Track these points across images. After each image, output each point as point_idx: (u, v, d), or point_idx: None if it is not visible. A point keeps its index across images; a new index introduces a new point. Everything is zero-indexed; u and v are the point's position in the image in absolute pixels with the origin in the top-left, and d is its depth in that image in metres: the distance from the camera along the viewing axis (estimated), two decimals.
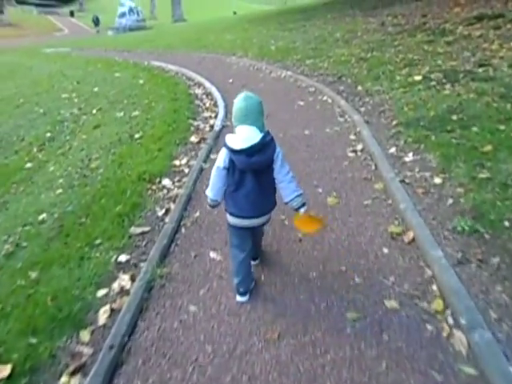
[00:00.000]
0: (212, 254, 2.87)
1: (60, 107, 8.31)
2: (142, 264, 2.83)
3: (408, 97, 5.52)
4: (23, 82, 12.02)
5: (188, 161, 4.48)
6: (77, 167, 4.88)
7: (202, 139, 5.03)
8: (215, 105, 6.53)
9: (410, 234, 2.86)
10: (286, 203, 2.26)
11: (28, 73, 13.46)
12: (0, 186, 5.04)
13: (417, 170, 3.69)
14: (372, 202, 3.39)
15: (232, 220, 2.30)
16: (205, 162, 4.36)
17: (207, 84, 7.84)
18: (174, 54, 13.93)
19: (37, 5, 53.81)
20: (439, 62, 6.76)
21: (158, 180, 4.07)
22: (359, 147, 4.47)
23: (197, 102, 6.80)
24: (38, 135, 6.84)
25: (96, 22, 36.29)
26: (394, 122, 4.85)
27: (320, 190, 3.65)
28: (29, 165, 5.52)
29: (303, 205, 2.25)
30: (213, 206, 2.35)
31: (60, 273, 2.81)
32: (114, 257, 2.92)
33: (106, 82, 9.75)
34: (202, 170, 4.20)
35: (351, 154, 4.34)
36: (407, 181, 3.52)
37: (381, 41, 9.37)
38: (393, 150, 4.19)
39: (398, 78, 6.46)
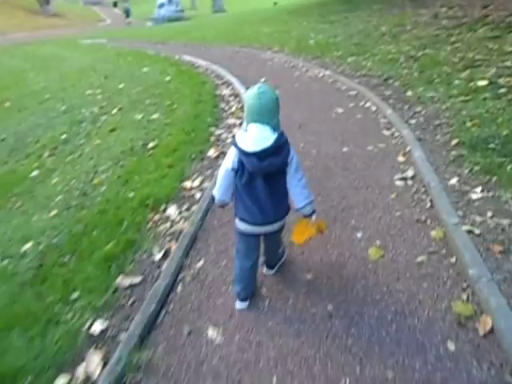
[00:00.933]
0: (211, 332, 2.16)
1: (82, 105, 7.85)
2: (121, 336, 2.17)
3: (471, 108, 4.57)
4: (54, 75, 11.75)
5: (201, 182, 3.79)
6: (80, 181, 4.32)
7: (222, 154, 4.32)
8: (242, 109, 5.79)
9: (487, 322, 2.03)
10: (298, 210, 2.17)
11: (60, 65, 13.23)
12: (0, 197, 4.55)
13: (489, 214, 2.82)
14: (428, 258, 2.57)
15: (242, 226, 2.16)
16: None
17: (236, 84, 7.12)
18: (208, 47, 13.27)
19: None
20: (508, 63, 5.70)
21: (162, 207, 3.41)
22: (410, 173, 3.62)
23: (222, 105, 6.10)
24: (54, 137, 6.37)
25: (127, 12, 34.96)
26: (454, 142, 3.94)
27: (359, 235, 2.87)
28: (35, 173, 5.02)
29: (314, 212, 2.19)
30: (221, 206, 2.26)
31: (19, 343, 2.20)
32: (88, 323, 2.28)
33: (132, 78, 9.24)
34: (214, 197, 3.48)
35: (399, 183, 3.50)
36: (477, 231, 2.67)
37: (434, 36, 8.29)
38: (454, 180, 3.32)
39: (456, 82, 5.48)
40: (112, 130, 5.91)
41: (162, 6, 30.78)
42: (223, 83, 7.48)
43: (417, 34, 8.87)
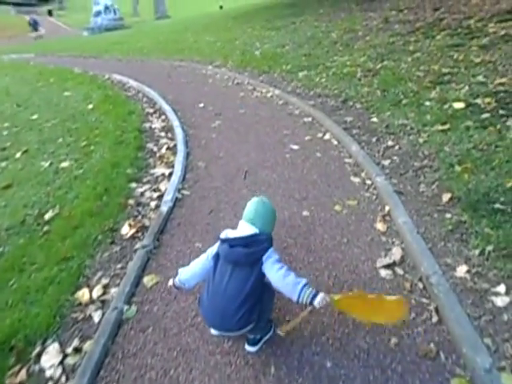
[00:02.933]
0: None
1: None
2: None
3: (454, 142, 3.68)
4: None
5: (104, 289, 2.60)
6: None
7: (139, 230, 3.14)
8: (173, 150, 4.63)
9: None
10: (298, 303, 1.88)
11: None
12: None
13: None
14: None
15: None
16: (129, 301, 2.46)
17: (169, 113, 5.92)
18: (145, 61, 11.95)
19: (14, 4, 51.24)
20: (480, 78, 4.91)
21: (35, 351, 2.19)
22: (397, 255, 2.62)
23: (149, 145, 4.89)
24: None
25: (35, 25, 30.42)
26: (446, 197, 3.01)
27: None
28: None
29: (316, 294, 1.83)
30: (177, 288, 2.13)
31: None
32: None
33: (49, 106, 7.82)
34: (120, 321, 2.31)
35: (385, 274, 2.49)
36: None
37: (390, 44, 7.50)
38: (462, 270, 2.35)
39: (427, 103, 4.60)
40: (7, 187, 4.56)
41: (98, 14, 28.76)
42: (154, 112, 6.26)
43: (370, 41, 8.06)
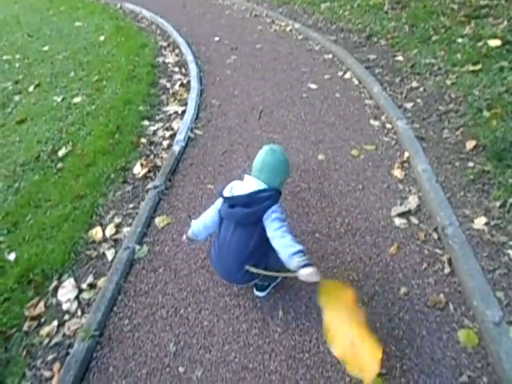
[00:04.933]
0: None
1: None
2: None
3: (485, 84, 3.43)
4: None
5: (117, 228, 2.63)
6: None
7: (151, 170, 3.11)
8: (187, 87, 4.46)
9: None
10: (287, 266, 1.72)
11: None
12: None
13: None
14: None
15: None
16: (140, 242, 2.49)
17: (184, 47, 5.65)
18: None
19: None
20: None
21: (51, 284, 2.27)
22: (413, 204, 2.55)
23: (162, 81, 4.73)
24: None
25: None
26: (470, 144, 2.86)
27: None
28: None
29: (306, 265, 1.64)
30: (191, 240, 2.08)
31: None
32: None
33: (60, 36, 7.55)
34: (132, 260, 2.36)
35: (400, 223, 2.44)
36: None
37: None
38: (481, 222, 2.30)
39: (459, 40, 4.26)
40: (21, 122, 4.54)
41: None
42: (168, 45, 5.98)
43: None
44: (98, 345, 1.93)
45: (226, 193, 1.87)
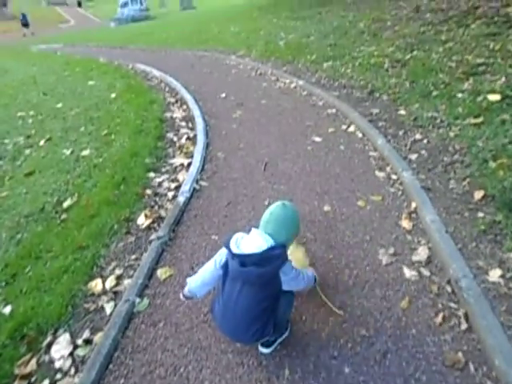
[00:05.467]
0: None
1: (7, 132, 6.48)
2: None
3: (488, 136, 3.45)
4: None
5: (118, 280, 2.55)
6: None
7: (155, 221, 3.08)
8: (194, 140, 4.55)
9: None
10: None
11: (0, 79, 11.68)
12: None
13: None
14: None
15: None
16: (141, 294, 2.40)
17: (191, 103, 5.85)
18: (169, 51, 11.92)
19: None
20: None
21: (45, 340, 2.15)
22: (423, 255, 2.46)
23: (169, 135, 4.83)
24: None
25: (24, 21, 27.01)
26: (478, 195, 2.82)
27: None
28: None
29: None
30: (186, 298, 1.97)
31: None
32: None
33: (74, 95, 7.88)
34: (131, 313, 2.25)
35: (411, 275, 2.34)
36: None
37: (420, 34, 7.18)
38: (496, 275, 2.20)
39: (459, 95, 4.35)
40: (29, 174, 4.61)
41: (125, 5, 28.96)
42: (176, 101, 6.20)
43: (399, 31, 7.75)
44: None
45: (234, 247, 1.74)
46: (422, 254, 2.48)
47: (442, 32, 6.88)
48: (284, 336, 2.01)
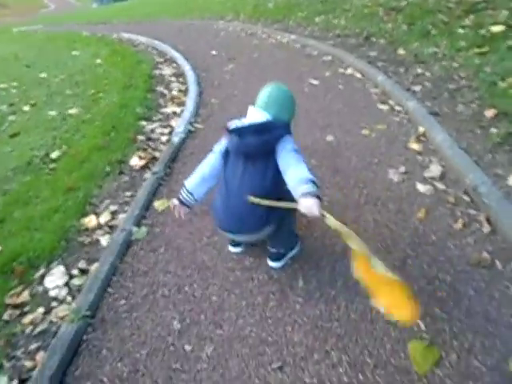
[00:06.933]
0: None
1: None
2: None
3: (495, 62, 3.29)
4: None
5: (113, 215, 2.38)
6: None
7: (150, 162, 2.90)
8: (185, 92, 4.34)
9: None
10: (295, 195, 1.42)
11: None
12: None
13: None
14: None
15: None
16: (138, 224, 2.24)
17: (181, 60, 5.62)
18: (153, 22, 11.54)
19: None
20: None
21: (39, 273, 1.99)
22: (435, 171, 2.33)
23: (160, 88, 4.61)
24: None
25: None
26: (490, 113, 2.67)
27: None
28: None
29: (310, 195, 1.36)
30: (183, 203, 1.73)
31: None
32: None
33: (57, 65, 7.55)
34: (129, 242, 2.10)
35: (425, 189, 2.19)
36: None
37: None
38: None
39: (460, 31, 4.17)
40: (13, 135, 4.37)
41: None
42: (165, 61, 5.95)
43: None
44: (89, 327, 1.65)
45: (233, 125, 1.65)
46: (434, 170, 2.34)
47: None
48: (294, 251, 1.88)
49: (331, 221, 1.36)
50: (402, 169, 2.40)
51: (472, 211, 1.97)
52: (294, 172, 1.47)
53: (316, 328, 1.52)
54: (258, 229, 1.63)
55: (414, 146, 2.62)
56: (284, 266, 1.82)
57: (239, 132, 1.61)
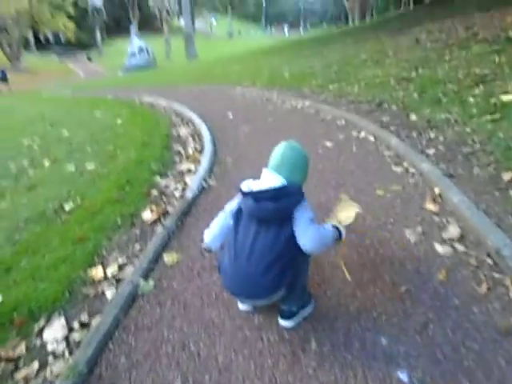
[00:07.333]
0: None
1: (12, 157, 6.40)
2: None
3: (507, 128, 3.31)
4: None
5: (120, 268, 2.32)
6: None
7: (162, 215, 2.88)
8: (201, 151, 4.43)
9: None
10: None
11: (9, 117, 11.86)
12: None
13: None
14: None
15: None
16: (145, 276, 2.17)
17: (198, 121, 5.81)
18: (174, 88, 12.17)
19: (57, 52, 54.90)
20: None
21: (38, 326, 1.90)
22: (454, 232, 2.25)
23: (176, 147, 4.73)
24: None
25: (2, 76, 24.29)
26: (508, 176, 2.62)
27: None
28: None
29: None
30: (206, 250, 1.84)
31: None
32: None
33: (80, 124, 7.90)
34: (134, 295, 2.02)
35: (444, 251, 2.10)
36: None
37: (423, 57, 7.27)
38: None
39: (471, 100, 4.27)
40: (30, 188, 4.45)
41: (132, 55, 30.18)
42: (182, 122, 6.17)
43: (402, 57, 7.88)
44: None
45: (245, 188, 1.64)
46: (452, 231, 2.26)
47: (445, 54, 6.96)
48: (307, 310, 1.78)
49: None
50: (419, 229, 2.33)
51: (496, 274, 1.87)
52: (323, 231, 1.65)
53: None
54: (269, 293, 1.58)
55: (431, 206, 2.57)
56: (296, 325, 1.71)
57: (255, 196, 1.59)
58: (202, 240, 1.87)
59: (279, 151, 1.70)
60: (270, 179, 1.63)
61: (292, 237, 1.55)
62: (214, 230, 1.76)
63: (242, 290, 1.62)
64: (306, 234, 1.54)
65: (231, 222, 1.70)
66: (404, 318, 1.69)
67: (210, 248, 1.79)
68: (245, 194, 1.64)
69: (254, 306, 1.82)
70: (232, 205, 1.75)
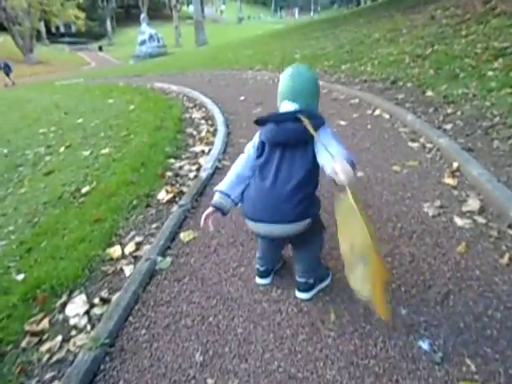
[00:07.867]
0: None
1: (29, 145, 6.52)
2: None
3: None
4: (13, 116, 10.50)
5: (137, 246, 2.34)
6: None
7: (177, 195, 2.89)
8: (214, 133, 4.42)
9: None
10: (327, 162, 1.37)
11: (24, 106, 12.00)
12: None
13: None
14: None
15: (246, 222, 1.66)
16: (163, 254, 2.19)
17: (210, 105, 5.79)
18: (185, 74, 12.12)
19: (68, 43, 55.17)
20: None
21: (61, 300, 1.94)
22: (474, 205, 2.20)
23: (189, 130, 4.72)
24: None
25: (7, 70, 23.32)
26: None
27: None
28: None
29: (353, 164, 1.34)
30: (218, 209, 1.67)
31: None
32: None
33: (94, 111, 7.95)
34: (152, 271, 2.04)
35: (463, 223, 2.07)
36: None
37: (439, 34, 7.07)
38: None
39: (490, 73, 4.15)
40: (48, 173, 4.53)
41: (143, 42, 30.11)
42: (194, 106, 6.15)
43: (417, 34, 7.67)
44: (107, 356, 1.55)
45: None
46: (473, 204, 2.22)
47: (462, 29, 6.76)
48: (325, 283, 1.77)
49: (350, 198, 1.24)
50: (438, 203, 2.29)
51: None
52: (335, 150, 1.40)
53: (351, 365, 1.38)
54: (293, 219, 1.52)
55: (449, 180, 2.52)
56: (314, 298, 1.70)
57: (276, 119, 1.57)
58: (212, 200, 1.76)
59: (288, 83, 1.61)
60: (288, 107, 1.59)
61: (315, 169, 1.54)
62: (237, 169, 1.69)
63: (267, 214, 1.55)
64: (331, 146, 1.43)
65: (254, 156, 1.65)
66: (424, 290, 1.67)
67: (227, 197, 1.66)
68: (266, 122, 1.61)
69: (273, 276, 1.82)
70: (254, 141, 1.70)
